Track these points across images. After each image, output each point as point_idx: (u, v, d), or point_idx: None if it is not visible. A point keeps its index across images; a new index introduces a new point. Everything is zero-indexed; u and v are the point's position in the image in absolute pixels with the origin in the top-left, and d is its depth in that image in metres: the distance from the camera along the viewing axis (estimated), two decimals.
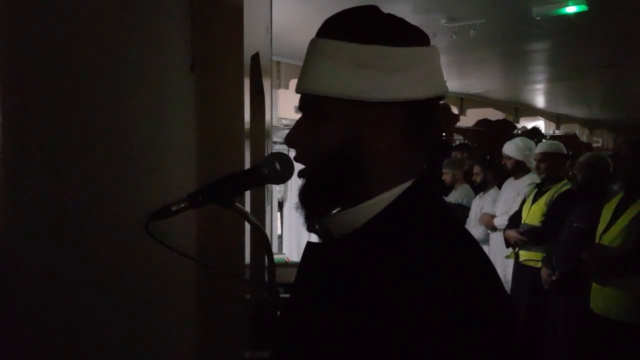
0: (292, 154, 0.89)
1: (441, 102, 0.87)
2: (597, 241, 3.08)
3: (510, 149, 4.42)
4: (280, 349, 0.89)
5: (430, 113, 0.83)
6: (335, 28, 0.82)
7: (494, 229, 4.56)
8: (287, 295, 0.96)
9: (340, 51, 0.80)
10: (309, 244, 0.90)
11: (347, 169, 0.82)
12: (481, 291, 0.73)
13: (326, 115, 0.82)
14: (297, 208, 0.87)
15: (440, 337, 0.68)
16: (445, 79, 0.87)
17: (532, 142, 4.55)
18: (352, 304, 0.75)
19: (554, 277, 3.49)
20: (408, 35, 0.82)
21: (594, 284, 3.04)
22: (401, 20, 0.84)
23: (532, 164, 4.36)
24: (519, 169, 4.42)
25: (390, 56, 0.79)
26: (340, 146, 0.81)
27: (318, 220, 0.87)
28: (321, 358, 0.77)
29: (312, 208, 0.86)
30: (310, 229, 0.89)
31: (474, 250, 0.79)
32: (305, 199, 0.85)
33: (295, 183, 0.87)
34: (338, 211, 0.85)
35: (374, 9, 0.84)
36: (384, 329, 0.70)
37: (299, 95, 0.86)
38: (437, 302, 0.70)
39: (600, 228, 3.09)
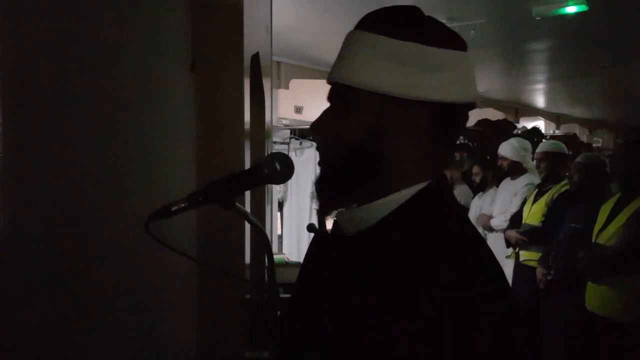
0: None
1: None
2: (593, 240, 3.08)
3: (506, 149, 4.41)
4: (285, 346, 0.88)
5: (457, 117, 0.83)
6: (375, 22, 0.82)
7: (491, 229, 4.55)
8: (288, 295, 0.96)
9: (377, 45, 0.80)
10: (315, 240, 0.89)
11: (367, 162, 0.81)
12: (494, 293, 0.74)
13: (354, 107, 0.82)
14: (312, 197, 0.86)
15: (457, 337, 0.68)
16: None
17: (527, 142, 4.53)
18: (368, 303, 0.74)
19: (549, 277, 3.49)
20: (446, 38, 0.82)
21: (589, 283, 3.03)
22: (441, 23, 0.84)
23: (529, 164, 4.35)
24: (515, 170, 4.41)
25: (426, 55, 0.79)
26: (363, 139, 0.81)
27: (331, 213, 0.86)
28: (335, 356, 0.76)
29: (327, 199, 0.85)
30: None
31: (485, 252, 0.79)
32: (322, 189, 0.85)
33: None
34: (352, 208, 0.85)
35: (415, 9, 0.84)
36: (401, 328, 0.70)
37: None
38: (452, 302, 0.69)
39: (597, 227, 3.09)
